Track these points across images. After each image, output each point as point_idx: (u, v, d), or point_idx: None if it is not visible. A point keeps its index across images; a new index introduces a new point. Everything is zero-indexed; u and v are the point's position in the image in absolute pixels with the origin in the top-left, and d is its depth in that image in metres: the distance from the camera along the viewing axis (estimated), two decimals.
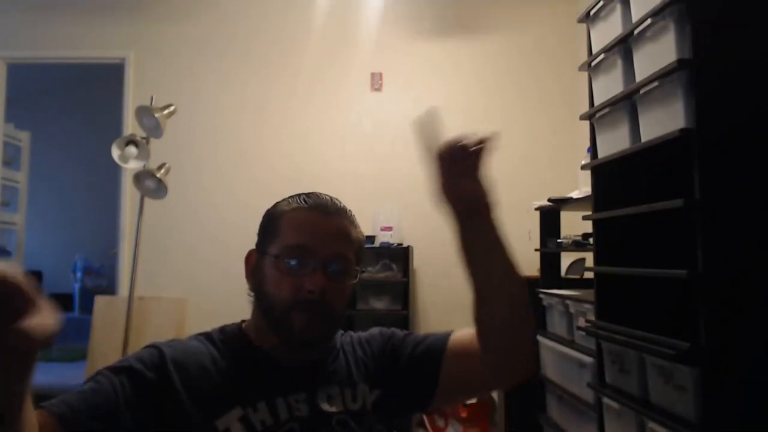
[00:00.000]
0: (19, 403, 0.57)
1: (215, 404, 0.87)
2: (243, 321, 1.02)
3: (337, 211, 0.97)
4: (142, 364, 0.87)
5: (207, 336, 0.98)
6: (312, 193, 1.00)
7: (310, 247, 0.92)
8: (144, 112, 3.31)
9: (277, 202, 1.01)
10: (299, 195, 0.99)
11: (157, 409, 0.84)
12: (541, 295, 2.89)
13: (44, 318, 0.51)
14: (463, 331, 1.01)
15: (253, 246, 1.01)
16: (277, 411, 0.89)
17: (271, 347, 0.95)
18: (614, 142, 1.99)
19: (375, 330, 1.09)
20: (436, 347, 1.01)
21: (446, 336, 1.02)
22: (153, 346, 0.92)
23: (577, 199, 2.61)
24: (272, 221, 0.98)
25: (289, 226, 0.95)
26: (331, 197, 1.00)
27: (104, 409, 0.79)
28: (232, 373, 0.92)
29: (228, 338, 0.97)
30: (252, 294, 0.98)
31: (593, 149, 2.15)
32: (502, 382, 1.12)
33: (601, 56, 2.03)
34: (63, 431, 0.74)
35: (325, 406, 0.92)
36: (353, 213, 1.01)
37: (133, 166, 3.36)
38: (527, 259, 3.43)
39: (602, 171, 2.11)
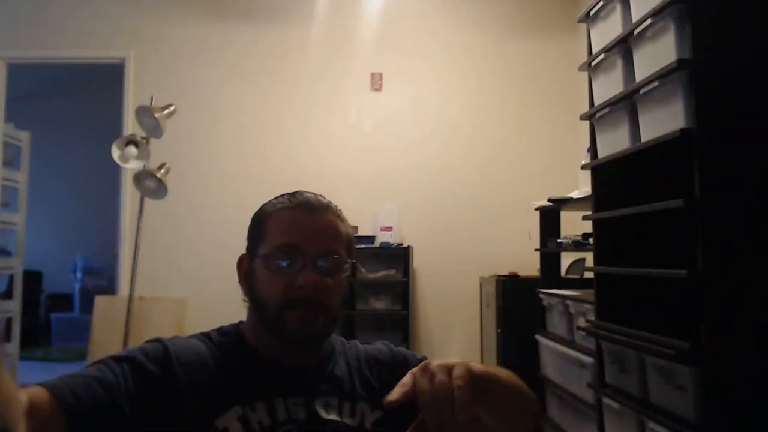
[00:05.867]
0: None
1: (215, 403, 0.87)
2: (241, 322, 1.01)
3: (323, 207, 0.97)
4: (145, 357, 0.86)
5: (206, 336, 0.98)
6: (296, 191, 1.00)
7: (299, 245, 0.92)
8: (144, 112, 3.30)
9: (263, 205, 1.00)
10: (283, 195, 0.99)
11: (158, 402, 0.84)
12: (541, 295, 2.89)
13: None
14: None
15: None
16: (276, 412, 0.89)
17: (266, 349, 0.95)
18: (614, 142, 1.99)
19: (384, 348, 1.05)
20: None
21: None
22: (157, 340, 0.91)
23: (577, 199, 2.61)
24: (260, 224, 0.98)
25: (276, 226, 0.95)
26: (315, 194, 1.00)
27: (106, 399, 0.79)
28: (230, 373, 0.91)
29: (226, 339, 0.97)
30: (246, 299, 0.98)
31: (593, 149, 2.15)
32: None
33: (601, 56, 2.03)
34: (62, 413, 0.74)
35: (322, 413, 0.91)
36: (339, 208, 1.00)
37: (133, 166, 3.36)
38: (527, 259, 3.44)
39: (602, 171, 2.11)
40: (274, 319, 0.92)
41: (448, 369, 0.69)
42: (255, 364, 0.94)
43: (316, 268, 0.92)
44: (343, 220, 0.99)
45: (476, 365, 0.73)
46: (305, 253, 0.92)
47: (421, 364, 0.71)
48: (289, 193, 0.99)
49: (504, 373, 0.81)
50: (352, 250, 1.00)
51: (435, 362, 0.71)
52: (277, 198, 1.00)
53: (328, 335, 0.98)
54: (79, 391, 0.77)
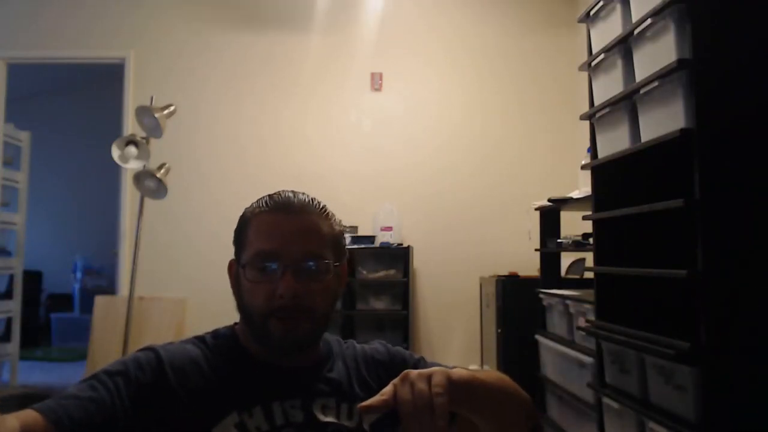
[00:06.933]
0: None
1: (211, 409, 0.86)
2: (236, 323, 1.00)
3: (302, 207, 0.93)
4: (139, 369, 0.85)
5: (200, 339, 0.96)
6: (276, 192, 0.96)
7: (276, 251, 0.89)
8: (144, 112, 3.31)
9: (246, 209, 0.97)
10: (264, 197, 0.96)
11: (154, 413, 0.83)
12: (541, 295, 2.89)
13: None
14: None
15: None
16: (273, 416, 0.88)
17: (261, 351, 0.94)
18: (614, 142, 1.99)
19: (382, 348, 1.04)
20: None
21: None
22: (149, 349, 0.90)
23: (577, 199, 2.61)
24: (241, 230, 0.95)
25: (254, 232, 0.92)
26: (296, 193, 0.95)
27: (101, 420, 0.78)
28: (226, 378, 0.90)
29: (221, 342, 0.96)
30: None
31: (593, 149, 2.15)
32: None
33: (601, 56, 2.03)
34: None
35: (320, 416, 0.90)
36: (325, 205, 0.96)
37: (133, 166, 3.37)
38: (527, 259, 3.44)
39: (602, 171, 2.11)
40: (258, 328, 0.90)
41: (428, 377, 0.70)
42: (251, 367, 0.93)
43: (296, 273, 0.88)
44: (328, 218, 0.95)
45: (457, 371, 0.73)
46: (284, 259, 0.89)
47: (402, 373, 0.71)
48: (269, 195, 0.96)
49: (494, 377, 0.82)
50: (341, 248, 0.97)
51: (414, 371, 0.71)
52: (257, 200, 0.96)
53: (316, 339, 0.96)
54: (75, 414, 0.76)
